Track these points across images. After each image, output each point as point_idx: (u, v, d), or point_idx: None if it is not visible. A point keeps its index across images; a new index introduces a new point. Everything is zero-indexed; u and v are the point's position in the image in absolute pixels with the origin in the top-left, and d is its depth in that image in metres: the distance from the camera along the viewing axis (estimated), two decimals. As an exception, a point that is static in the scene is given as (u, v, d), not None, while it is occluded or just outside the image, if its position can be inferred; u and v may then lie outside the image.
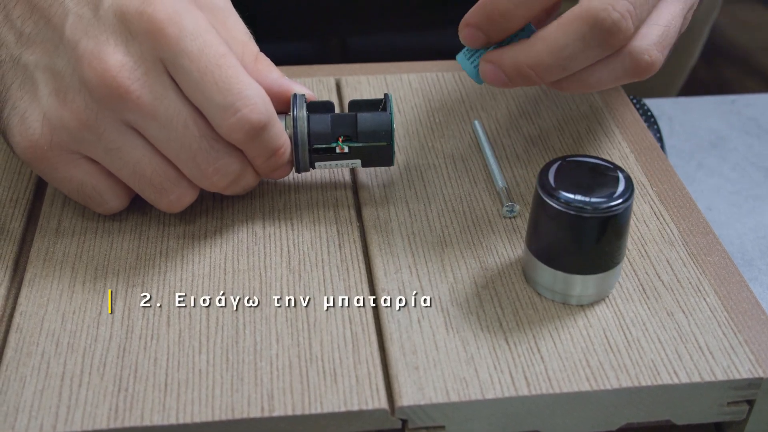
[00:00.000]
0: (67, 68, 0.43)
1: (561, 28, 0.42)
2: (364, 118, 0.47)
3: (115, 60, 0.42)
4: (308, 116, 0.47)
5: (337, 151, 0.47)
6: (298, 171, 0.48)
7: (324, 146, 0.47)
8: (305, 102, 0.47)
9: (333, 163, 0.48)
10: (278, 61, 0.49)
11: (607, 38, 0.42)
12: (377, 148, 0.48)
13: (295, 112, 0.47)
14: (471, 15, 0.45)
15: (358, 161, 0.48)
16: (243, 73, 0.43)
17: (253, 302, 0.44)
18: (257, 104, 0.43)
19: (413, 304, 0.44)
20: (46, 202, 0.50)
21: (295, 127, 0.47)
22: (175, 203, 0.46)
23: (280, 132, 0.45)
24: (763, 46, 1.30)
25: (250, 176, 0.46)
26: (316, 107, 0.48)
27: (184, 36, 0.42)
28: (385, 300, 0.44)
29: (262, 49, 0.48)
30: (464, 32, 0.45)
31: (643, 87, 0.82)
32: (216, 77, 0.42)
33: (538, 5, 0.43)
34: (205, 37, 0.42)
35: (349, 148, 0.47)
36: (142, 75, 0.42)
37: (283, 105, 0.47)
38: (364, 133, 0.47)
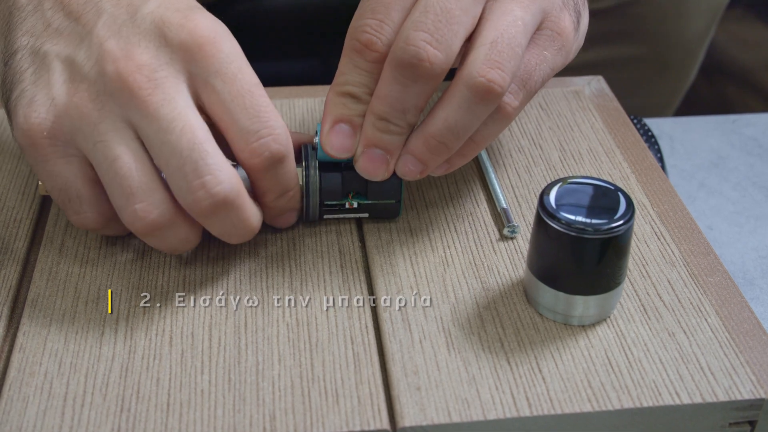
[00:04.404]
0: (87, 61, 0.43)
1: (380, 80, 0.44)
2: None
3: (141, 60, 0.42)
4: (320, 174, 0.47)
5: (347, 206, 0.48)
6: (307, 221, 0.49)
7: (334, 203, 0.48)
8: (316, 156, 0.47)
9: (341, 215, 0.49)
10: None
11: (415, 71, 0.42)
12: (386, 205, 0.48)
13: (307, 170, 0.47)
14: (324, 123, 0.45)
15: (366, 214, 0.49)
16: (271, 105, 0.44)
17: (255, 322, 0.44)
18: (280, 135, 0.43)
19: (415, 324, 0.44)
20: (50, 222, 0.50)
21: (307, 184, 0.47)
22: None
23: (294, 172, 0.46)
24: (764, 64, 1.30)
25: (243, 212, 0.43)
26: (326, 165, 0.47)
27: (221, 57, 0.43)
28: (386, 320, 0.44)
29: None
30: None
31: (640, 106, 0.82)
32: (246, 103, 0.43)
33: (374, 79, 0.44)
34: (239, 63, 0.43)
35: (359, 204, 0.48)
36: (161, 77, 0.42)
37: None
38: (375, 192, 0.48)
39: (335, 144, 0.45)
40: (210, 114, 0.43)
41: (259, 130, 0.43)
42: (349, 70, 0.44)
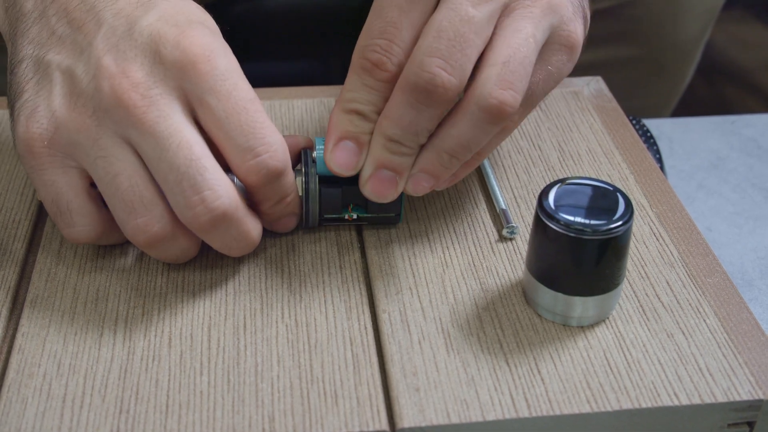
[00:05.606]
0: (86, 75, 0.43)
1: (391, 102, 0.43)
2: None
3: (135, 77, 0.42)
4: (320, 189, 0.47)
5: (346, 218, 0.48)
6: (306, 228, 0.49)
7: (334, 216, 0.48)
8: (315, 168, 0.47)
9: (340, 223, 0.49)
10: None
11: (430, 97, 0.42)
12: (386, 217, 0.49)
13: (307, 177, 0.47)
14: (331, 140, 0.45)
15: (365, 223, 0.49)
16: (267, 120, 0.43)
17: (254, 324, 0.44)
18: (278, 151, 0.43)
19: (414, 325, 0.44)
20: (49, 223, 0.50)
21: (306, 194, 0.47)
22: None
23: (292, 182, 0.46)
24: (763, 64, 1.30)
25: (243, 225, 0.44)
26: (326, 178, 0.47)
27: (216, 75, 0.43)
28: (385, 321, 0.44)
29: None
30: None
31: (637, 107, 0.82)
32: (241, 120, 0.43)
33: (384, 95, 0.44)
34: (234, 80, 0.43)
35: (359, 216, 0.48)
36: (155, 95, 0.42)
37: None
38: (374, 205, 0.48)
39: (340, 161, 0.45)
40: (206, 131, 0.43)
41: (255, 148, 0.43)
42: (356, 88, 0.44)
